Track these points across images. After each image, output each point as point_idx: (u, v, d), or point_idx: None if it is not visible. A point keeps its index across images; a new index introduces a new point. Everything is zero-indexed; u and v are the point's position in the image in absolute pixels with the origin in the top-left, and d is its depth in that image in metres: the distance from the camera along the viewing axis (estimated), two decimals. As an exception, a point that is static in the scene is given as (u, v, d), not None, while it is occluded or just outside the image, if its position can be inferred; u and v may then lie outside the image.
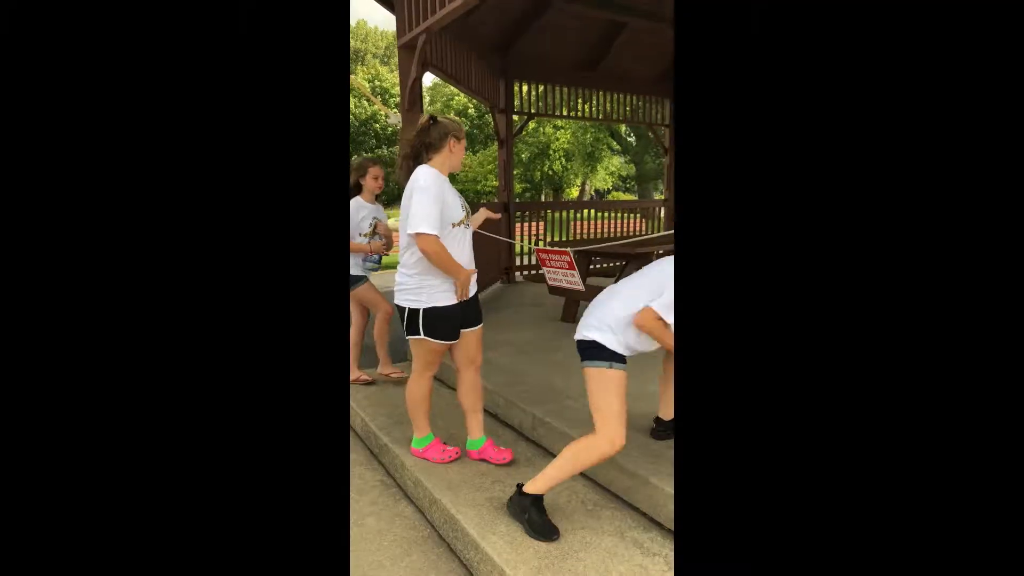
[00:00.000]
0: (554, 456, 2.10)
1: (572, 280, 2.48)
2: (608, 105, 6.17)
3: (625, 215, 7.11)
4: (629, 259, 3.72)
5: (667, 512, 1.64)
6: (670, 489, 1.64)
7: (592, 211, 7.26)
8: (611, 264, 4.09)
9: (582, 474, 1.96)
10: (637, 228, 7.54)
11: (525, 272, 5.87)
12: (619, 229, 6.94)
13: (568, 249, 2.43)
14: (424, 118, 1.84)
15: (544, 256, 2.60)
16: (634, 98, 6.33)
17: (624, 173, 21.75)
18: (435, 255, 1.73)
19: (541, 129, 17.28)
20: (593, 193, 21.27)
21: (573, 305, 3.72)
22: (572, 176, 19.23)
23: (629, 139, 19.92)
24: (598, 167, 19.19)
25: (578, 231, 7.63)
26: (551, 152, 18.12)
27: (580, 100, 6.03)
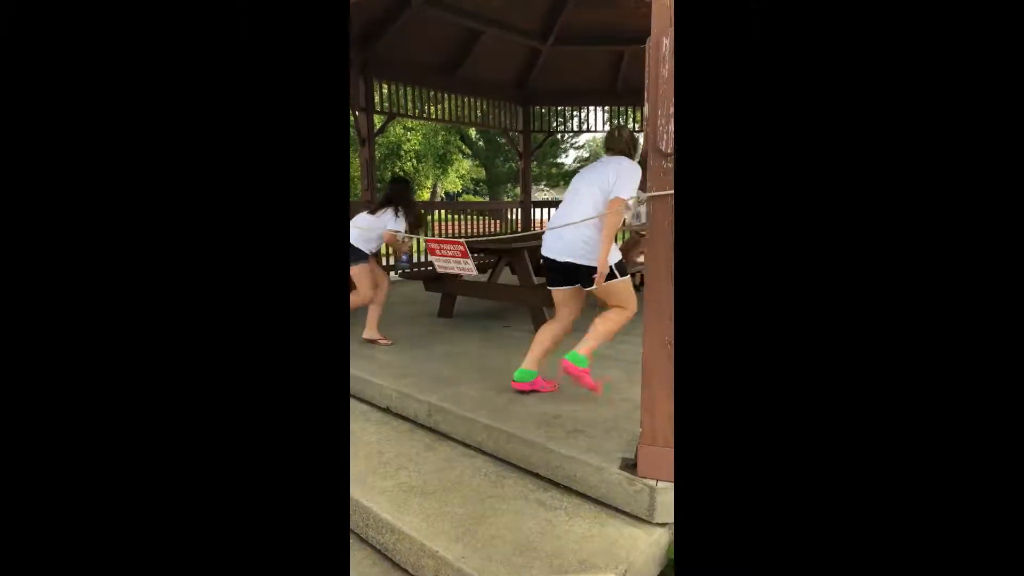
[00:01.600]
0: (454, 440, 2.21)
1: (465, 267, 2.60)
2: (465, 108, 6.39)
3: (477, 216, 7.39)
4: (502, 255, 3.95)
5: (563, 472, 1.85)
6: (564, 450, 1.85)
7: (444, 212, 7.45)
8: (484, 260, 4.29)
9: (480, 450, 2.11)
10: (492, 228, 7.86)
11: (398, 271, 5.84)
12: (474, 229, 7.19)
13: (462, 240, 2.56)
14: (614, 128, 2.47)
15: (434, 246, 2.70)
16: (489, 103, 6.62)
17: (474, 176, 22.31)
18: (614, 223, 2.17)
19: (392, 130, 17.08)
20: (443, 195, 21.51)
21: (450, 300, 3.85)
22: (423, 178, 19.25)
23: (479, 143, 20.45)
24: (449, 170, 19.44)
25: (434, 231, 7.75)
26: (402, 153, 17.97)
27: (435, 105, 6.16)
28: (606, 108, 7.28)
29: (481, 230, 7.25)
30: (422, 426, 2.36)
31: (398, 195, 3.40)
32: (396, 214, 3.33)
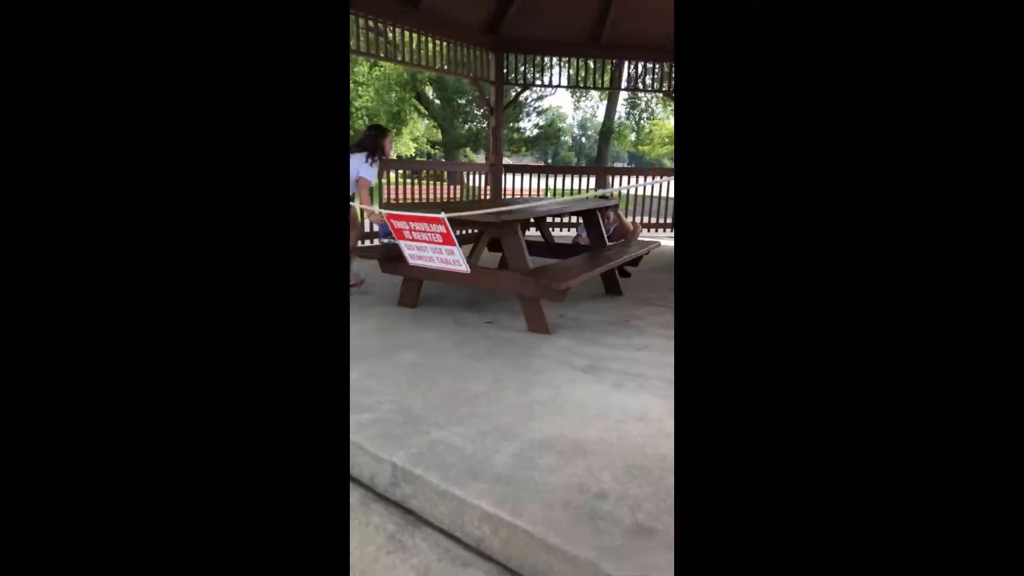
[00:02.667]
0: (435, 527, 1.41)
1: (450, 259, 1.74)
2: (428, 51, 5.39)
3: (433, 181, 6.51)
4: (485, 229, 3.10)
5: (633, 616, 1.09)
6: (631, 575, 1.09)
7: (398, 173, 6.53)
8: (461, 232, 3.41)
9: (480, 552, 1.31)
10: (453, 195, 6.97)
11: (383, 242, 4.88)
12: (431, 195, 6.30)
13: (443, 216, 1.68)
14: None
15: (401, 225, 1.81)
16: (457, 47, 5.63)
17: (430, 138, 20.95)
18: None
19: (340, 83, 15.55)
20: (398, 159, 20.06)
21: (414, 286, 2.97)
22: (375, 138, 17.82)
23: (436, 102, 19.19)
24: (403, 130, 18.08)
25: (385, 197, 6.78)
26: (353, 111, 16.50)
27: (394, 44, 5.13)
28: (588, 61, 6.42)
29: (441, 196, 6.34)
30: (383, 497, 1.54)
31: (373, 140, 3.16)
32: (370, 160, 3.06)
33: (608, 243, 3.55)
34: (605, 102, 22.70)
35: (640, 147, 25.09)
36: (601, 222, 3.50)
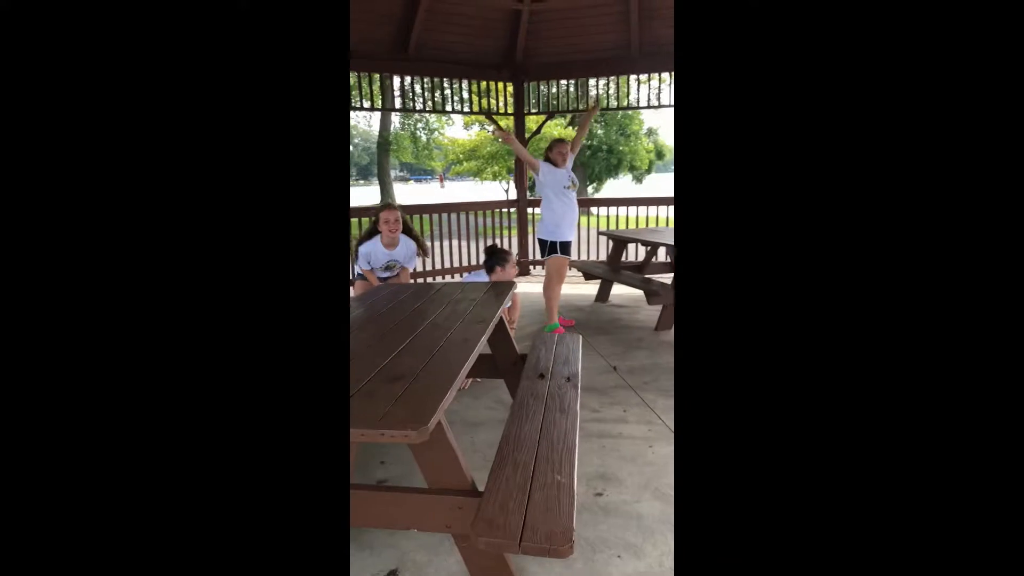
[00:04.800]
0: None
1: None
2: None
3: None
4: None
5: None
6: None
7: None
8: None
9: None
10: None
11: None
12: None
13: None
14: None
15: None
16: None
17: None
18: None
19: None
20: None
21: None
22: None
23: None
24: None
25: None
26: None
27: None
28: (399, 78, 5.23)
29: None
30: None
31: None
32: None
33: (514, 343, 2.48)
34: (378, 112, 21.29)
35: (429, 162, 24.30)
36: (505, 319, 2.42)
